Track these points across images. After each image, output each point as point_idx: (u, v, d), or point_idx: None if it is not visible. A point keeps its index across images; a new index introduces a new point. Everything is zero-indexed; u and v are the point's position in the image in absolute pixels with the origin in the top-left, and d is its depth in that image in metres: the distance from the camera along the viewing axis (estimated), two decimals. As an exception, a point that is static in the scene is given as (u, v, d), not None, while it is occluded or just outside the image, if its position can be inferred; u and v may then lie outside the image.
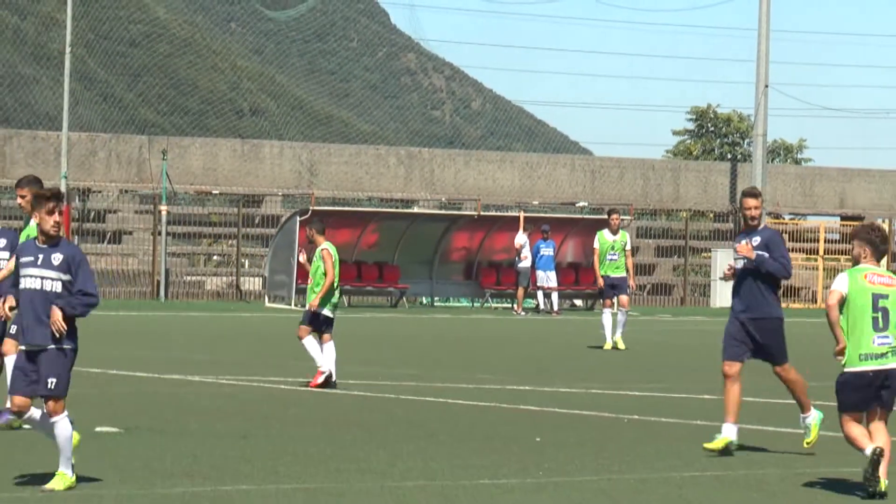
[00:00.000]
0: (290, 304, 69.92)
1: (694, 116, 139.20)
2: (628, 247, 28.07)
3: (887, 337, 20.85)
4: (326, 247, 33.60)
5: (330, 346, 33.52)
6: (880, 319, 20.21)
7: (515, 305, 70.87)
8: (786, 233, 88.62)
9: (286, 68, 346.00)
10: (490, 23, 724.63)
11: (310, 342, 33.19)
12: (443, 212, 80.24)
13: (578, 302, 74.81)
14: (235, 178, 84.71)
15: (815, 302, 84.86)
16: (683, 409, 29.63)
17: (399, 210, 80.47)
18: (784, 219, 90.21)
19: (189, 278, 79.56)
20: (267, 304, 71.50)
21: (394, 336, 51.54)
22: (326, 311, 33.10)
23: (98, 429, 23.99)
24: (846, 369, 19.61)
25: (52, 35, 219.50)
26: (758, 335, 23.56)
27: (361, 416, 27.58)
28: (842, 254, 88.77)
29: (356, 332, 52.44)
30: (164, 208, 76.28)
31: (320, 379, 32.76)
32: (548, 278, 70.84)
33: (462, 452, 22.64)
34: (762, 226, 24.13)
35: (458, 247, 75.88)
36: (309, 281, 34.02)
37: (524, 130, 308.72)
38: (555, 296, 71.36)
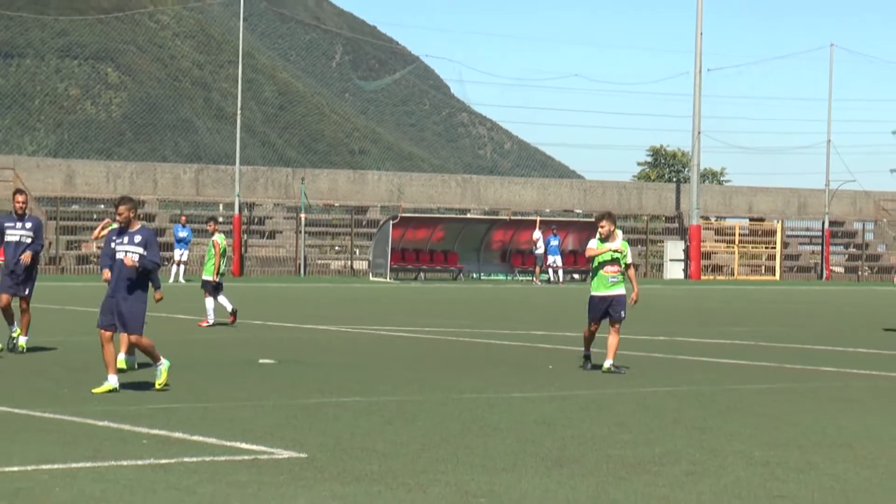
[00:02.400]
0: (385, 279, 69.87)
1: (651, 153, 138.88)
2: (629, 257, 26.90)
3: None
4: (216, 238, 33.17)
5: (222, 299, 32.88)
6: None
7: (534, 279, 70.79)
8: (712, 229, 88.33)
9: (382, 123, 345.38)
10: (515, 91, 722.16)
11: (210, 301, 32.48)
12: (486, 217, 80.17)
13: (577, 276, 74.49)
14: (349, 196, 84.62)
15: (734, 275, 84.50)
16: (644, 345, 29.46)
17: (457, 216, 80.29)
18: (711, 220, 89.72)
19: (319, 261, 79.57)
20: (371, 278, 71.33)
21: (455, 299, 51.33)
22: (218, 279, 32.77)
23: (261, 360, 23.98)
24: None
25: (229, 102, 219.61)
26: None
27: (434, 352, 27.51)
28: (750, 244, 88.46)
29: (430, 298, 52.32)
30: (302, 216, 76.26)
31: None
32: (555, 261, 71.00)
33: (500, 375, 22.62)
34: (619, 238, 23.21)
35: (496, 240, 75.83)
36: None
37: (539, 163, 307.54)
38: (560, 272, 71.37)
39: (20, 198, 24.56)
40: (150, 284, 19.49)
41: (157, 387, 19.03)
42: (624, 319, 23.20)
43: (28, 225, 24.29)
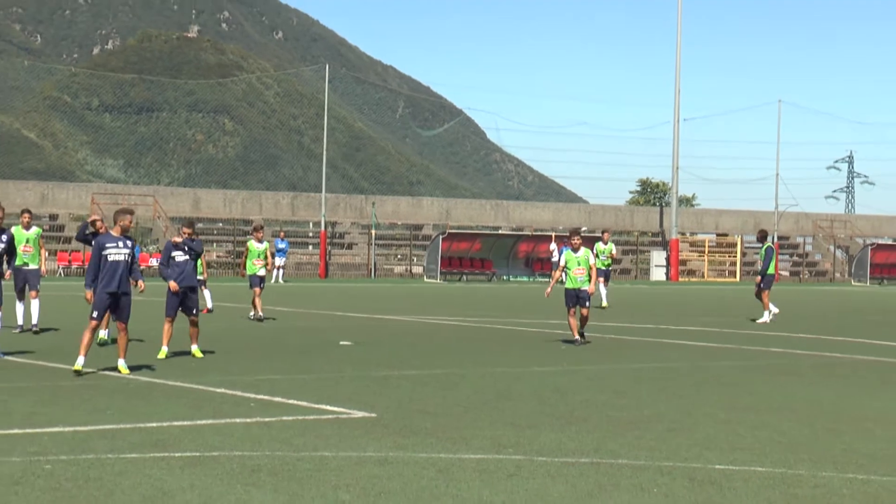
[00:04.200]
0: (436, 280, 69.85)
1: (640, 184, 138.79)
2: (592, 261, 25.77)
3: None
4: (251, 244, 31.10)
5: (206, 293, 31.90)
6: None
7: (551, 280, 70.62)
8: (687, 242, 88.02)
9: (434, 160, 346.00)
10: (537, 136, 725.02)
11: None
12: (513, 232, 79.85)
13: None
14: (408, 216, 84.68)
15: (704, 277, 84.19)
16: (636, 331, 29.40)
17: (491, 232, 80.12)
18: (686, 235, 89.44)
19: (385, 267, 79.52)
20: (425, 279, 71.33)
21: (489, 296, 51.22)
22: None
23: (341, 342, 23.99)
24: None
25: (316, 144, 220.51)
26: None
27: (473, 336, 27.44)
28: (716, 253, 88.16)
29: (470, 295, 52.20)
30: (373, 232, 76.40)
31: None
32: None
33: (524, 354, 22.59)
34: (583, 249, 25.13)
35: (521, 250, 75.51)
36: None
37: (554, 191, 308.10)
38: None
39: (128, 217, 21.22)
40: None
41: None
42: (589, 303, 25.12)
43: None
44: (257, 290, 30.28)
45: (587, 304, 25.06)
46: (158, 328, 21.37)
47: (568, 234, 26.35)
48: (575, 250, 25.11)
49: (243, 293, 36.53)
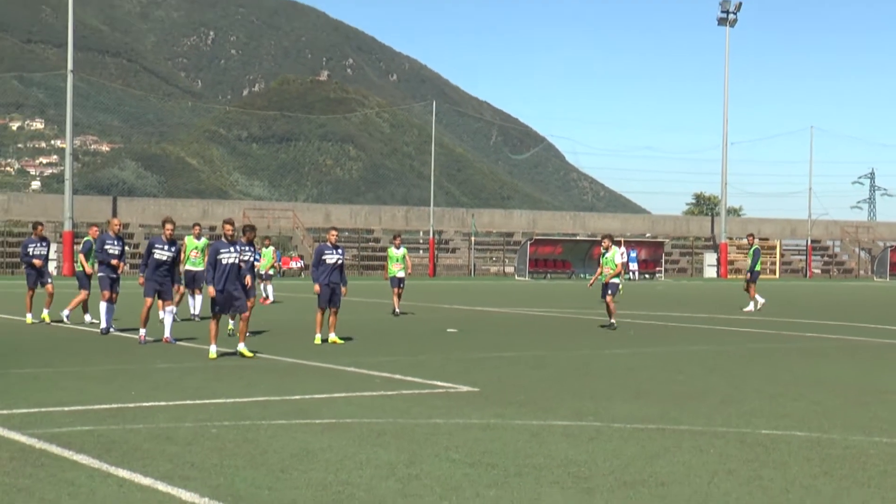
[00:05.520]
0: (525, 278, 69.71)
1: (695, 197, 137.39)
2: (617, 259, 25.04)
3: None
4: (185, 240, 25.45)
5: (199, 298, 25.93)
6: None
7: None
8: (734, 246, 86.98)
9: (522, 179, 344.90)
10: (608, 158, 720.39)
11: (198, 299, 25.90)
12: (588, 238, 79.42)
13: (647, 276, 73.84)
14: (502, 225, 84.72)
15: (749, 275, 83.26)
16: (690, 320, 29.11)
17: (570, 238, 79.83)
18: (734, 240, 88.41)
19: (483, 267, 79.52)
20: (515, 278, 71.25)
21: (569, 292, 50.94)
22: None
23: (448, 329, 24.08)
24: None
25: (426, 167, 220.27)
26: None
27: (557, 324, 27.33)
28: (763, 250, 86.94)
29: (553, 291, 52.00)
30: (472, 238, 76.48)
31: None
32: (634, 266, 70.54)
33: (599, 339, 22.45)
34: (613, 249, 25.59)
35: (595, 253, 74.72)
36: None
37: (622, 204, 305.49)
38: (636, 273, 70.85)
39: (227, 227, 18.41)
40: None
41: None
42: (615, 294, 25.22)
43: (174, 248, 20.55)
44: (396, 289, 29.33)
45: (612, 292, 25.23)
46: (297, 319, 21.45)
47: (600, 238, 26.93)
48: (605, 251, 25.57)
49: (366, 289, 36.61)
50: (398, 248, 29.77)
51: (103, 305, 21.97)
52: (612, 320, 25.15)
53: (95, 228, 25.47)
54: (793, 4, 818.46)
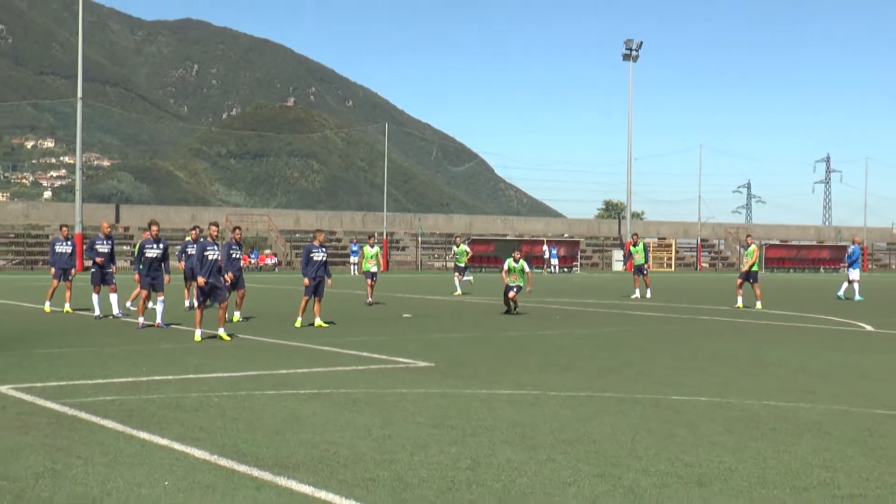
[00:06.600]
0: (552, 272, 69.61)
1: (605, 203, 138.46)
2: (526, 269, 24.64)
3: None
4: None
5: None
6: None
7: (542, 271, 70.19)
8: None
9: (459, 189, 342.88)
10: (531, 171, 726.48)
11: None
12: (516, 238, 79.36)
13: (565, 270, 74.04)
14: (443, 228, 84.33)
15: (649, 269, 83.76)
16: (600, 306, 29.25)
17: (500, 237, 79.77)
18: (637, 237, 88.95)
19: (427, 262, 79.13)
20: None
21: (500, 284, 50.85)
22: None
23: (404, 315, 24.05)
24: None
25: (378, 179, 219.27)
26: None
27: (490, 308, 27.39)
28: (659, 251, 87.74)
29: (487, 283, 51.86)
30: (419, 238, 75.98)
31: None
32: (555, 262, 70.71)
33: (531, 322, 22.52)
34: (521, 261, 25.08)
35: (523, 250, 75.05)
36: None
37: (542, 210, 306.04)
38: (556, 267, 71.05)
39: (213, 228, 18.51)
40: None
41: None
42: (519, 293, 24.94)
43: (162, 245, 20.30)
44: (370, 281, 28.85)
45: (516, 293, 24.94)
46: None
47: (544, 240, 26.76)
48: (517, 260, 25.18)
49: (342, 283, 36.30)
50: (372, 246, 29.60)
51: (95, 297, 22.00)
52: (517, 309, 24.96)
53: (196, 231, 23.53)
54: (687, 43, 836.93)
